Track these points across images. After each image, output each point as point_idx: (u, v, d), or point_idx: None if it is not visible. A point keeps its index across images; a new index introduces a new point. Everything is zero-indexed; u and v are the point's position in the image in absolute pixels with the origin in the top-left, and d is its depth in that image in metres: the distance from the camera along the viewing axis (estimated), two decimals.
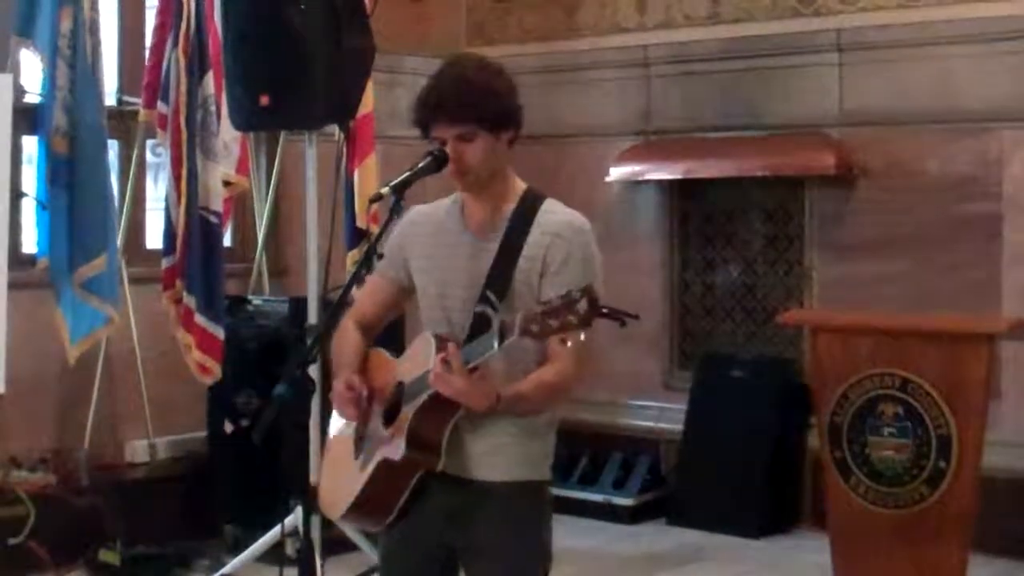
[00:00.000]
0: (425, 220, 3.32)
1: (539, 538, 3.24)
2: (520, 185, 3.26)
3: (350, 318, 3.39)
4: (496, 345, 2.91)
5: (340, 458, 3.33)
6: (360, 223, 5.99)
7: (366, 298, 3.42)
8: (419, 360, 3.14)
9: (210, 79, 5.88)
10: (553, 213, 3.20)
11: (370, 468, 3.17)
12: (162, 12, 6.02)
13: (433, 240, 3.28)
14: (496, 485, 3.16)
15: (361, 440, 3.26)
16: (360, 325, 3.38)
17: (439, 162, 3.22)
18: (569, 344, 2.88)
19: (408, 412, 3.10)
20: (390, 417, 3.18)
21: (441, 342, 3.09)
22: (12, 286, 5.19)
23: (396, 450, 3.10)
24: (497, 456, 3.16)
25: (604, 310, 2.81)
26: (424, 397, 3.07)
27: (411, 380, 3.15)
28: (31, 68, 5.83)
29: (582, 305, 2.79)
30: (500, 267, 3.13)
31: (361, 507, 3.22)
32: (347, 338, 3.36)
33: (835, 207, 6.68)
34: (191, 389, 6.14)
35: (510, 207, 3.20)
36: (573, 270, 3.11)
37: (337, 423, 3.42)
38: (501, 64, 3.26)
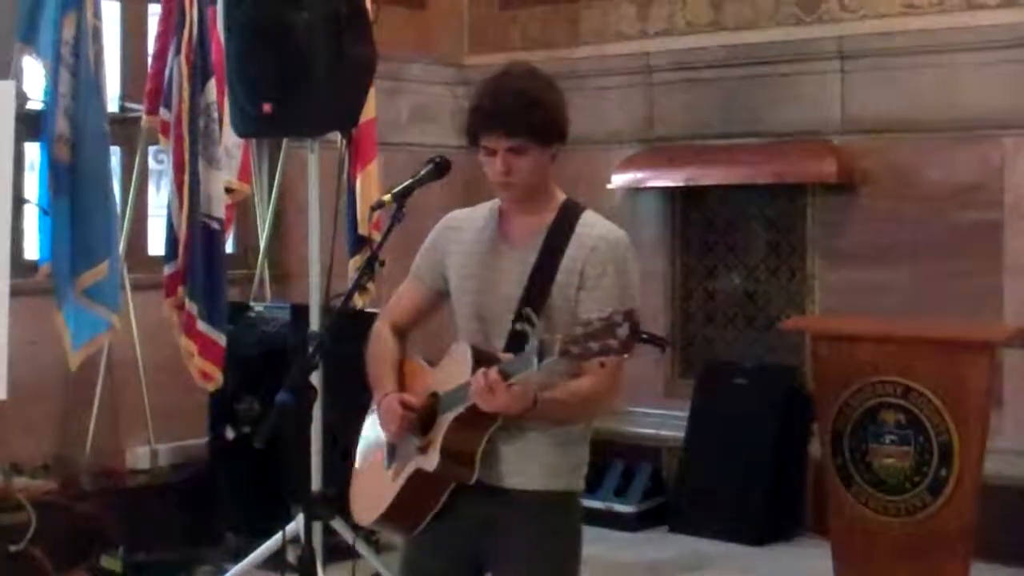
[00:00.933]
0: (465, 226, 3.31)
1: (569, 548, 3.26)
2: (559, 196, 3.25)
3: (385, 323, 3.38)
4: (536, 364, 2.90)
5: (371, 464, 3.33)
6: (362, 230, 5.99)
7: (401, 302, 3.40)
8: (455, 371, 3.13)
9: (212, 86, 5.88)
10: (591, 226, 3.19)
11: (403, 478, 3.17)
12: (164, 19, 6.02)
13: (472, 248, 3.26)
14: (528, 494, 3.16)
15: (393, 448, 3.25)
16: (395, 330, 3.37)
17: (440, 170, 3.22)
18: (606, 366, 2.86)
19: (444, 423, 3.10)
20: (424, 427, 3.17)
21: (478, 355, 3.09)
22: (14, 293, 5.18)
23: (431, 461, 3.09)
24: (530, 465, 3.16)
25: (644, 336, 2.80)
26: (461, 409, 3.06)
27: (447, 391, 3.14)
28: (34, 75, 5.85)
29: (623, 331, 2.77)
30: (538, 281, 3.14)
31: (393, 515, 3.22)
32: (385, 345, 3.35)
33: (837, 215, 6.68)
34: (193, 396, 6.13)
35: (549, 219, 3.20)
36: (609, 284, 3.13)
37: (368, 429, 3.41)
38: (551, 76, 3.24)
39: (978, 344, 5.08)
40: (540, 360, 2.88)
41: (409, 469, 3.16)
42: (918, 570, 5.08)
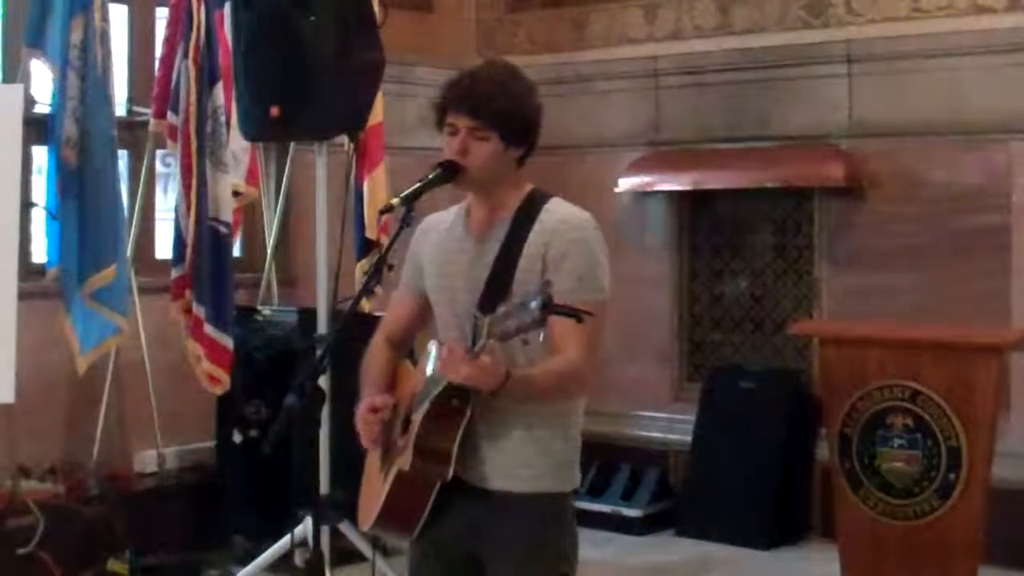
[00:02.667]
0: (433, 228, 3.34)
1: (560, 550, 3.22)
2: (526, 188, 3.26)
3: (380, 334, 3.40)
4: (472, 350, 2.90)
5: (373, 469, 3.34)
6: (369, 234, 5.99)
7: (392, 312, 3.42)
8: (424, 369, 3.17)
9: (220, 90, 5.89)
10: (553, 212, 3.19)
11: (390, 479, 3.17)
12: (172, 23, 6.03)
13: (439, 248, 3.29)
14: (512, 497, 3.15)
15: (388, 452, 3.27)
16: (390, 340, 3.40)
17: (448, 173, 3.22)
18: (541, 339, 2.82)
19: (417, 421, 3.11)
20: (405, 428, 3.19)
21: (440, 347, 3.12)
22: (22, 296, 5.20)
23: (405, 460, 3.10)
24: (518, 468, 3.15)
25: (558, 308, 2.74)
26: (427, 404, 3.07)
27: (419, 390, 3.17)
28: (41, 79, 5.85)
29: (536, 304, 2.73)
30: (500, 270, 3.13)
31: (387, 518, 3.21)
32: (375, 355, 3.37)
33: (844, 218, 6.68)
34: (200, 399, 6.14)
35: (513, 209, 3.21)
36: (571, 266, 3.10)
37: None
38: (533, 82, 3.27)
39: (986, 347, 5.07)
40: (474, 344, 2.87)
41: (393, 470, 3.17)
42: (926, 574, 5.08)
